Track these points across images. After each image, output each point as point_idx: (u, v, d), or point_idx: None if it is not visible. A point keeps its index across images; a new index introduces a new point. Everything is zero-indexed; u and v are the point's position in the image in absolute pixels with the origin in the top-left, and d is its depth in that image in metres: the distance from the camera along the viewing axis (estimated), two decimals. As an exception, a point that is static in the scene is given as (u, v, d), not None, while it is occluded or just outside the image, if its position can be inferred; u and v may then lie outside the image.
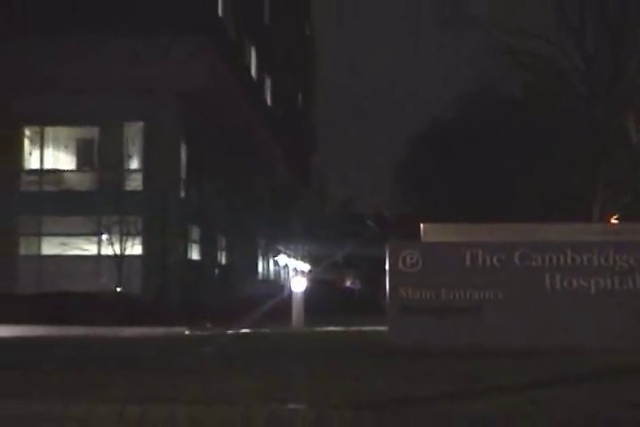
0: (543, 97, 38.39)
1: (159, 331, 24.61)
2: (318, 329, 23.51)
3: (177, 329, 25.03)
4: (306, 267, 66.61)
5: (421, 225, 15.78)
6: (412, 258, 14.47)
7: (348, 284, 67.88)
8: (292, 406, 8.87)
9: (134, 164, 34.60)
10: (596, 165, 34.13)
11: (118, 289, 32.08)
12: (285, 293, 42.40)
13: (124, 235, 32.41)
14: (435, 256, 14.67)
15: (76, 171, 35.54)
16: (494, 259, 14.54)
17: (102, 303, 29.55)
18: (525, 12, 34.09)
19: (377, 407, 8.68)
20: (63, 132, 35.71)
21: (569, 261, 14.54)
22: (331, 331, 23.20)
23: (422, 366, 12.28)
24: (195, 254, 37.68)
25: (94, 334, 22.81)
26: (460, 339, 14.21)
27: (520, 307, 14.43)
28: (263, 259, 56.18)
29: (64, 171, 35.13)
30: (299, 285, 26.52)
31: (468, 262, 14.53)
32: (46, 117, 33.61)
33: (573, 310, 14.39)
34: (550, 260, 14.55)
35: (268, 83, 50.09)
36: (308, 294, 27.02)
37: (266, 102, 49.99)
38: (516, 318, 14.37)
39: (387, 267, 14.66)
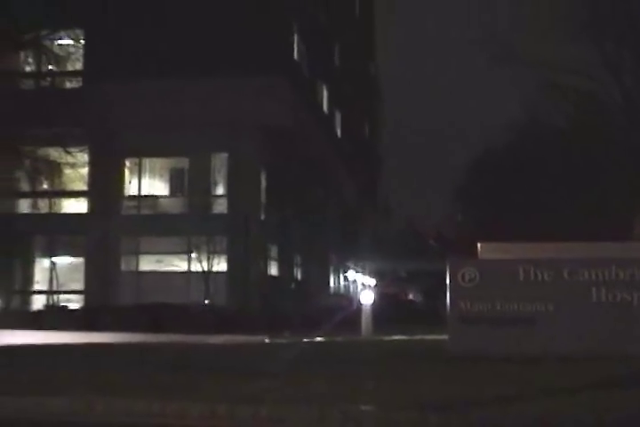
0: (586, 127, 38.07)
1: (242, 339, 24.63)
2: (385, 338, 23.40)
3: (258, 337, 25.00)
4: (372, 281, 66.27)
5: (478, 244, 15.72)
6: (470, 274, 14.40)
7: (410, 296, 67.50)
8: (363, 406, 8.86)
9: (220, 190, 34.85)
10: (636, 188, 33.71)
11: (206, 301, 32.28)
12: (355, 305, 42.27)
13: (211, 253, 32.62)
14: (491, 272, 14.58)
15: (169, 196, 35.92)
16: (545, 274, 14.40)
17: (192, 314, 29.73)
18: (568, 51, 33.83)
19: (441, 409, 8.64)
20: (158, 162, 36.08)
21: (613, 276, 14.36)
22: (396, 339, 23.06)
23: (480, 371, 12.19)
24: (273, 270, 37.64)
25: (186, 341, 22.95)
26: (513, 347, 14.08)
27: (568, 318, 14.26)
28: (334, 274, 55.94)
29: (159, 197, 35.56)
30: (367, 298, 26.41)
31: (521, 278, 14.41)
32: (144, 150, 34.07)
33: (617, 321, 14.20)
34: (596, 275, 14.38)
35: (338, 116, 50.13)
36: (375, 305, 26.91)
37: (336, 134, 50.01)
38: (565, 328, 14.21)
39: (447, 281, 14.60)
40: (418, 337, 22.81)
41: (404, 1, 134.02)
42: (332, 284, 54.75)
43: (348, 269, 60.89)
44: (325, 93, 45.41)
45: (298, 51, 37.32)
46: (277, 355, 16.91)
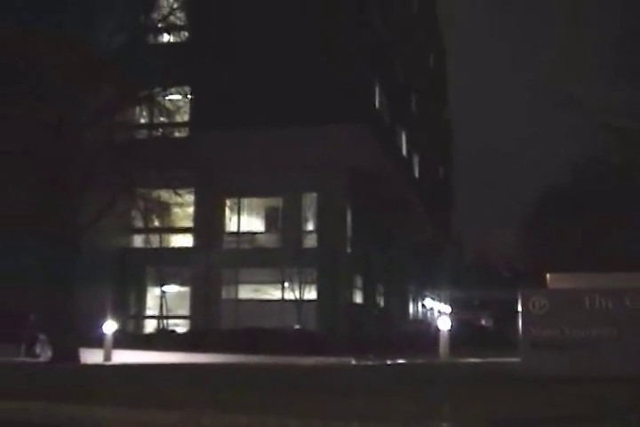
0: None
1: (331, 360, 24.61)
2: (461, 360, 23.15)
3: (345, 359, 24.96)
4: (448, 309, 65.67)
5: (547, 274, 15.56)
6: (540, 302, 14.21)
7: (482, 322, 66.69)
8: (444, 424, 8.80)
9: (310, 226, 35.05)
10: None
11: (297, 326, 32.33)
12: (432, 330, 41.89)
13: (303, 283, 32.77)
14: (559, 300, 14.38)
15: (264, 232, 36.32)
16: (609, 302, 14.16)
17: (285, 337, 29.80)
18: (624, 94, 33.25)
19: (517, 425, 8.54)
20: (255, 201, 36.54)
21: (672, 303, 14.06)
22: (471, 362, 22.82)
23: (551, 391, 11.98)
24: (358, 298, 37.58)
25: (280, 362, 23.01)
26: (580, 369, 13.83)
27: (631, 342, 13.98)
28: (413, 302, 55.63)
29: (256, 232, 35.94)
30: (444, 323, 26.15)
31: (586, 305, 14.18)
32: (243, 191, 34.53)
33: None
34: (656, 302, 14.10)
35: (415, 158, 50.08)
36: (451, 331, 26.64)
37: (414, 174, 49.94)
38: (627, 352, 13.92)
39: (518, 309, 14.44)
40: (491, 360, 22.54)
41: (476, 52, 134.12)
42: (410, 311, 54.43)
43: (426, 297, 60.48)
44: (404, 138, 45.44)
45: (379, 100, 37.47)
46: (364, 376, 16.86)
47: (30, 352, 26.87)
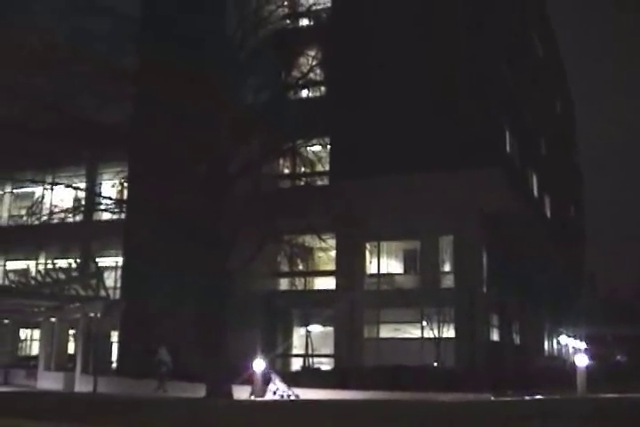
0: None
1: (470, 396, 24.05)
2: (599, 395, 22.13)
3: (484, 395, 24.34)
4: (582, 345, 63.45)
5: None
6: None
7: (617, 358, 64.52)
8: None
9: (447, 267, 34.46)
10: None
11: (435, 363, 31.72)
12: (568, 366, 40.41)
13: (441, 322, 32.12)
14: None
15: (403, 274, 35.91)
16: None
17: (425, 374, 29.27)
18: None
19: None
20: (393, 245, 36.23)
21: None
22: (609, 397, 21.75)
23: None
24: (495, 336, 36.69)
25: (421, 398, 22.70)
26: None
27: None
28: (548, 339, 54.00)
29: (395, 274, 35.60)
30: (581, 360, 25.25)
31: None
32: (381, 235, 34.37)
33: None
34: None
35: (547, 200, 48.87)
36: (587, 366, 25.62)
37: (546, 215, 48.71)
38: None
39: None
40: (629, 395, 21.43)
41: (601, 96, 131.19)
42: (546, 347, 52.91)
43: (560, 334, 58.71)
44: (535, 180, 44.45)
45: (510, 145, 36.83)
46: (504, 411, 16.23)
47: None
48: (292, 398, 25.40)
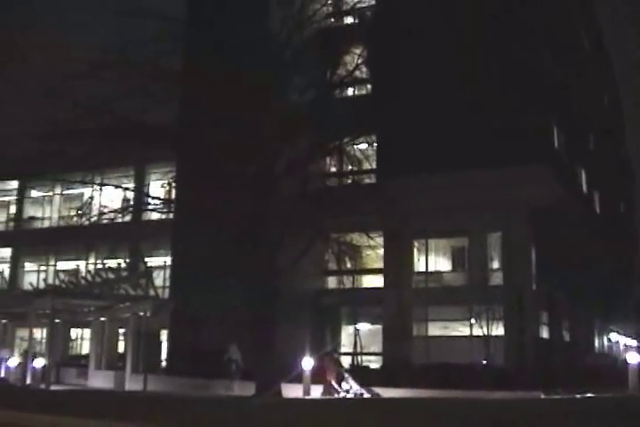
0: None
1: (519, 394, 23.86)
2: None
3: (534, 393, 24.11)
4: (634, 342, 62.47)
5: None
6: None
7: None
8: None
9: (495, 264, 34.21)
10: None
11: (484, 361, 31.49)
12: (619, 364, 39.84)
13: (490, 319, 31.86)
14: None
15: (451, 271, 35.71)
16: None
17: (475, 373, 29.08)
18: None
19: None
20: (441, 242, 36.06)
21: None
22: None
23: None
24: (544, 333, 36.31)
25: (470, 397, 22.57)
26: None
27: None
28: (598, 336, 53.27)
29: (443, 272, 35.45)
30: (632, 357, 24.88)
31: None
32: (429, 232, 34.29)
33: None
34: None
35: (596, 196, 48.24)
36: (638, 363, 25.23)
37: (595, 211, 48.08)
38: None
39: None
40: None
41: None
42: (596, 345, 52.21)
43: (611, 331, 57.91)
44: (584, 176, 43.93)
45: (557, 140, 36.43)
46: (555, 410, 16.03)
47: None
48: (367, 396, 25.33)
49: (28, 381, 31.59)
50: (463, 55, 32.63)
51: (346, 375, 26.49)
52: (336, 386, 26.18)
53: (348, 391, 25.92)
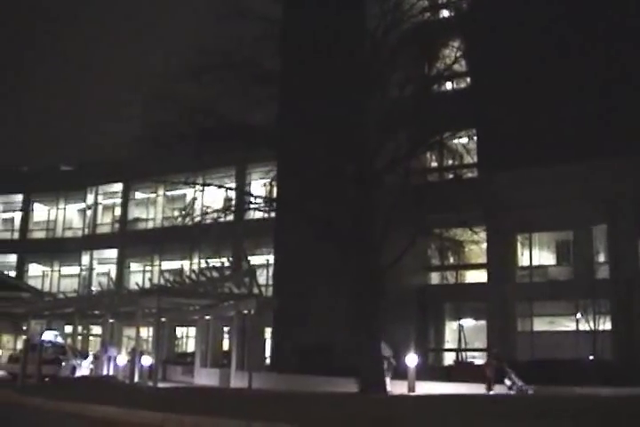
0: None
1: (627, 391, 23.18)
2: None
3: (644, 389, 23.39)
4: None
5: None
6: None
7: None
8: None
9: (602, 257, 33.38)
10: None
11: (593, 357, 30.77)
12: None
13: (597, 314, 31.13)
14: None
15: (556, 265, 35.06)
16: None
17: (582, 368, 28.45)
18: None
19: None
20: (545, 236, 35.47)
21: None
22: None
23: None
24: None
25: (577, 393, 22.19)
26: None
27: None
28: None
29: (547, 266, 34.83)
30: None
31: None
32: (533, 226, 33.74)
33: None
34: None
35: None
36: None
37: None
38: None
39: None
40: None
41: None
42: None
43: None
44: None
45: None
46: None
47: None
48: (530, 392, 25.08)
49: (136, 378, 32.31)
50: (563, 46, 31.91)
51: (509, 371, 26.19)
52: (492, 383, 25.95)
53: (510, 388, 25.66)
